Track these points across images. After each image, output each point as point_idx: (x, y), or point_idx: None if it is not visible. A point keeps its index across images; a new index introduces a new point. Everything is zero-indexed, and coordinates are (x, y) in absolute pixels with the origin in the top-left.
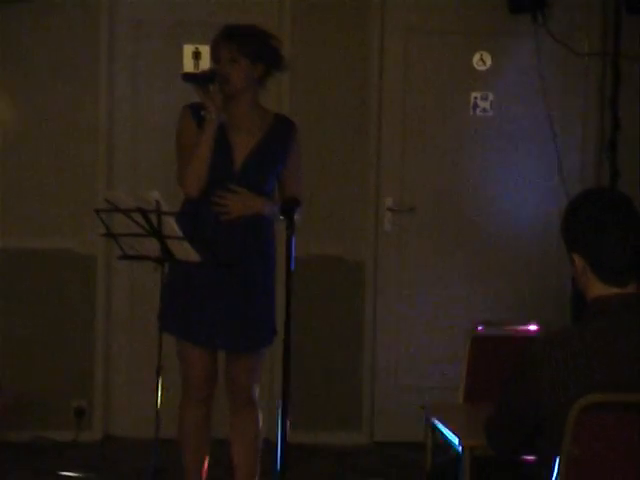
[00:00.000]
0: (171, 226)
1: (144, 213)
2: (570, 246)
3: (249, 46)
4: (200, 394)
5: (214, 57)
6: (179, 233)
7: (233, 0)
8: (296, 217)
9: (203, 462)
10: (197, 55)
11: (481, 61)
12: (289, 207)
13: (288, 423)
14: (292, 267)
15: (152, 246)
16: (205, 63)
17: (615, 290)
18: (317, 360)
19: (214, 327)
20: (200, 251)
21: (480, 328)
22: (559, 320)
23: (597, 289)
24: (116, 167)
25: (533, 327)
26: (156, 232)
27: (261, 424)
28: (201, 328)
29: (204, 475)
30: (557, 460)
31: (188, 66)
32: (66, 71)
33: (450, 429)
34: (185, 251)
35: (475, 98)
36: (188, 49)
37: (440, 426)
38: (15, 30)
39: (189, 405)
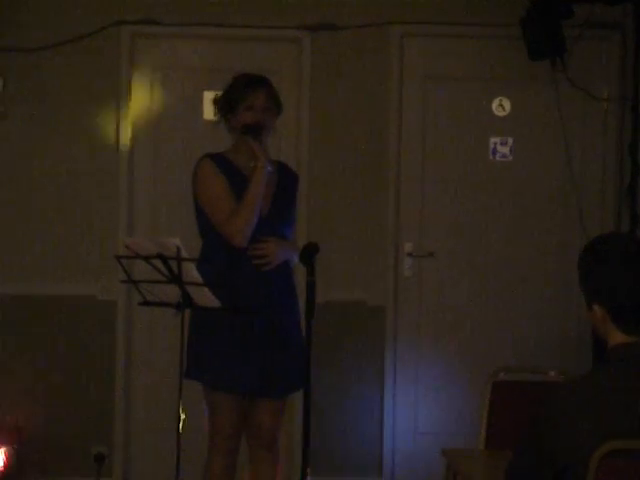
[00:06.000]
0: (191, 272)
1: (164, 259)
2: (589, 295)
3: (276, 95)
4: (230, 444)
5: (247, 105)
6: (199, 279)
7: (254, 47)
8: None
9: None
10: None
11: (500, 107)
12: (309, 253)
13: (309, 469)
14: (313, 313)
15: (172, 292)
16: None
17: (635, 338)
18: (337, 405)
19: (247, 374)
20: (221, 298)
21: (501, 374)
22: (580, 367)
23: (617, 337)
24: (136, 213)
25: (553, 373)
26: (176, 278)
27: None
28: (234, 376)
29: None
30: None
31: (208, 113)
32: (87, 117)
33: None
34: (205, 297)
35: (494, 143)
36: (208, 95)
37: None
38: (40, 75)
39: (218, 455)
